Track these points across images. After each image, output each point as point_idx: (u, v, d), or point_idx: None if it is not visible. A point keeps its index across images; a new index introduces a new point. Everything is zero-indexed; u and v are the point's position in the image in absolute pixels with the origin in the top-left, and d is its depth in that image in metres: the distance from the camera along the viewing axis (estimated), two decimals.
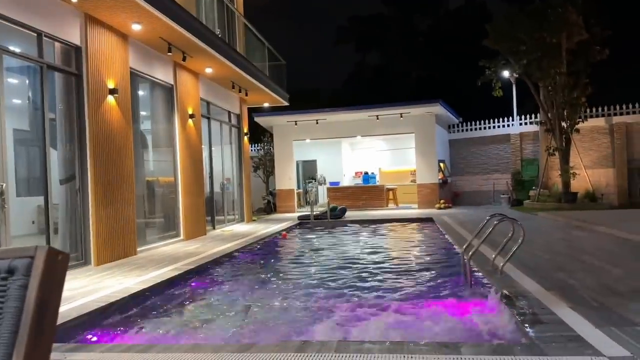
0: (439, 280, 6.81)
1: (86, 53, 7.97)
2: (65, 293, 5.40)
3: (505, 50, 17.44)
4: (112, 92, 8.53)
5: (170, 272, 7.08)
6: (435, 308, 5.23)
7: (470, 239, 6.60)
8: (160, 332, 4.81)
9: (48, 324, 1.05)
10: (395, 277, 7.21)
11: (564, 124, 17.15)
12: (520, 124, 20.79)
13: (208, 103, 13.41)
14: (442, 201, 18.92)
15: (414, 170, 20.19)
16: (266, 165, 22.74)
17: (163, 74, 10.74)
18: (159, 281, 6.44)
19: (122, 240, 8.61)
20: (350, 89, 38.53)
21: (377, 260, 8.71)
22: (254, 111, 19.56)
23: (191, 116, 11.83)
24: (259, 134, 22.97)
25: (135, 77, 9.65)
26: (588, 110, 18.15)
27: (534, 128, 20.18)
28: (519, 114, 20.99)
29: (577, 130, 17.24)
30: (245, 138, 16.23)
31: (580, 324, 3.87)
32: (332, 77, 56.57)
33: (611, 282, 5.39)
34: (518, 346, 3.52)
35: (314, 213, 15.12)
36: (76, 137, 7.90)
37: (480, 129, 21.77)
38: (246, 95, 15.18)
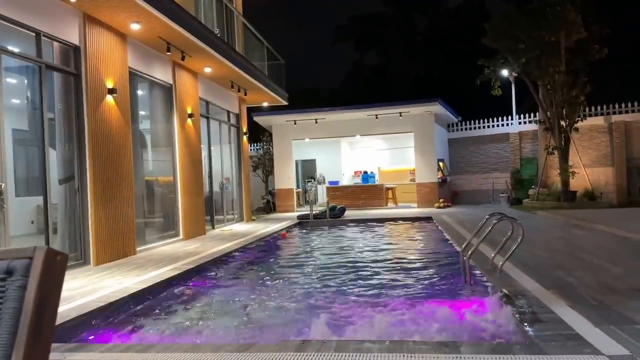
0: (438, 279, 6.82)
1: (85, 53, 7.96)
2: (65, 293, 5.40)
3: (504, 49, 17.44)
4: (111, 91, 8.52)
5: (169, 271, 7.08)
6: (434, 307, 5.23)
7: (469, 238, 6.61)
8: (160, 331, 4.81)
9: (47, 324, 1.05)
10: (394, 276, 7.22)
11: (563, 122, 17.16)
12: (520, 123, 20.80)
13: (207, 102, 13.41)
14: (441, 200, 18.92)
15: (413, 170, 20.19)
16: (265, 165, 22.74)
17: (162, 74, 10.73)
18: (158, 281, 6.44)
19: (121, 240, 8.61)
20: (349, 88, 38.52)
21: (376, 259, 8.71)
22: (253, 111, 19.55)
23: (190, 116, 11.83)
24: (258, 134, 22.97)
25: (134, 77, 9.65)
26: (587, 109, 18.16)
27: (533, 127, 20.18)
28: (518, 112, 21.01)
29: (576, 129, 17.25)
30: (245, 137, 16.23)
31: (580, 322, 3.87)
32: (331, 77, 56.68)
33: (610, 281, 5.39)
34: (517, 345, 3.53)
35: (314, 212, 15.12)
36: (75, 137, 7.90)
37: (479, 128, 21.78)
38: (245, 94, 15.17)
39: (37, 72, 7.19)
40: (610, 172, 18.45)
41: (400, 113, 18.72)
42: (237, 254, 9.39)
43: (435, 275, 7.11)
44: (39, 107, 7.19)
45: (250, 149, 20.95)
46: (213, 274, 7.75)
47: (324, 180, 22.51)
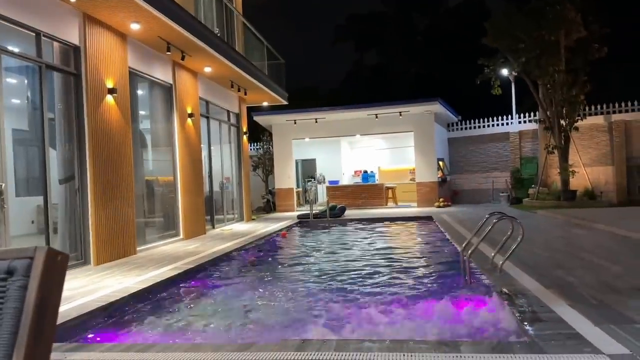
0: (438, 279, 6.82)
1: (85, 53, 7.96)
2: (65, 293, 5.40)
3: (504, 48, 17.44)
4: (111, 91, 8.52)
5: (170, 271, 7.09)
6: (434, 306, 5.23)
7: (469, 237, 6.61)
8: (160, 331, 4.82)
9: (48, 324, 1.05)
10: (394, 275, 7.22)
11: (563, 122, 17.16)
12: (519, 122, 20.80)
13: (207, 102, 13.41)
14: (441, 199, 18.93)
15: (413, 169, 20.20)
16: (265, 164, 22.74)
17: (162, 74, 10.73)
18: (158, 280, 6.44)
19: (121, 240, 8.61)
20: (349, 87, 38.50)
21: (376, 258, 8.72)
22: (253, 110, 19.55)
23: (190, 115, 11.83)
24: (258, 133, 22.97)
25: (134, 77, 9.65)
26: (587, 108, 18.16)
27: (533, 126, 20.18)
28: (518, 112, 21.00)
29: (576, 128, 17.25)
30: (245, 137, 16.23)
31: (580, 321, 3.88)
32: (331, 76, 56.66)
33: (610, 280, 5.39)
34: (517, 344, 3.53)
35: (314, 212, 15.12)
36: (75, 136, 7.90)
37: (479, 127, 21.77)
38: (245, 94, 15.17)
39: (37, 72, 7.19)
40: (610, 171, 18.45)
41: (400, 112, 18.71)
42: (237, 253, 9.39)
43: (435, 275, 7.12)
44: (39, 107, 7.19)
45: (250, 149, 20.95)
46: (213, 273, 7.75)
47: (324, 179, 22.52)
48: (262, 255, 9.78)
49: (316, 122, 19.69)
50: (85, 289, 6.00)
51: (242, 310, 5.54)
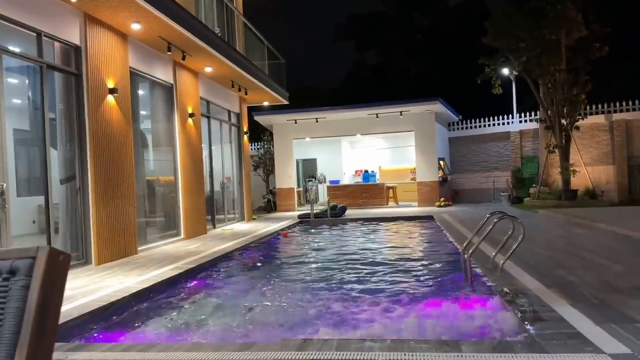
0: (439, 278, 6.82)
1: (86, 53, 7.97)
2: (66, 292, 5.41)
3: (505, 48, 17.42)
4: (112, 91, 8.53)
5: (171, 271, 7.09)
6: (435, 306, 5.24)
7: (470, 237, 6.61)
8: (162, 331, 4.82)
9: (50, 324, 1.05)
10: (395, 274, 7.22)
11: (563, 121, 17.14)
12: (520, 122, 20.79)
13: (208, 102, 13.41)
14: (442, 199, 18.92)
15: (414, 168, 20.19)
16: (266, 164, 22.74)
17: (163, 73, 10.74)
18: (159, 280, 6.45)
19: (122, 240, 8.62)
20: (349, 87, 38.49)
21: (377, 258, 8.72)
22: (253, 110, 19.55)
23: (191, 115, 11.84)
24: (258, 133, 22.97)
25: (135, 77, 9.65)
26: (588, 107, 18.13)
27: (534, 125, 20.16)
28: (519, 111, 20.99)
29: (577, 128, 17.23)
30: (245, 137, 16.24)
31: (581, 321, 3.88)
32: (331, 76, 56.64)
33: (611, 279, 5.39)
34: (518, 344, 3.53)
35: (314, 211, 15.12)
36: (76, 136, 7.91)
37: (480, 126, 21.76)
38: (246, 94, 15.18)
39: (38, 72, 7.20)
40: (611, 171, 18.44)
41: (400, 112, 18.71)
42: (238, 253, 9.39)
43: (436, 274, 7.12)
44: (40, 107, 7.20)
45: (251, 148, 20.96)
46: (214, 273, 7.75)
47: (325, 179, 22.57)
48: (263, 254, 9.78)
49: (317, 121, 19.69)
50: (86, 288, 6.01)
51: (243, 310, 5.54)
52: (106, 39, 8.48)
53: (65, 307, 4.91)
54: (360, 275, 7.30)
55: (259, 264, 8.82)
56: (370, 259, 8.60)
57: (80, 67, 7.95)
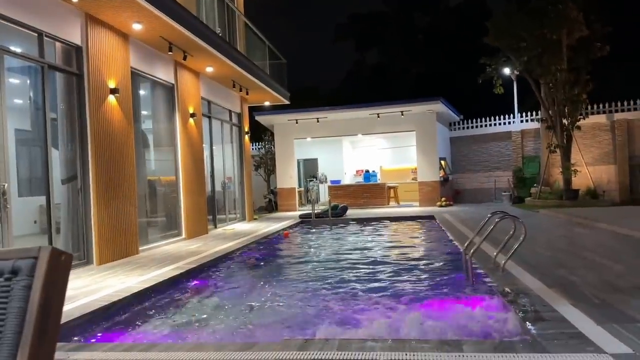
0: (440, 278, 6.82)
1: (87, 53, 7.97)
2: (68, 292, 5.40)
3: (506, 47, 17.40)
4: (113, 91, 8.53)
5: (172, 271, 7.10)
6: (436, 305, 5.24)
7: (471, 237, 6.61)
8: (163, 331, 4.83)
9: (52, 324, 1.05)
10: (396, 274, 7.22)
11: (565, 120, 17.12)
12: (522, 121, 20.77)
13: (209, 102, 13.42)
14: (443, 199, 18.91)
15: (415, 168, 20.18)
16: (267, 164, 22.75)
17: (164, 73, 10.75)
18: (160, 280, 6.45)
19: (123, 240, 8.63)
20: (350, 87, 38.47)
21: (378, 257, 8.71)
22: (254, 110, 19.56)
23: (192, 115, 11.84)
24: (260, 133, 22.98)
25: (136, 77, 9.66)
26: (589, 107, 18.10)
27: (535, 125, 20.15)
28: (520, 111, 20.97)
29: (578, 127, 17.21)
30: (246, 137, 16.24)
31: (582, 321, 3.87)
32: (332, 76, 56.64)
33: (613, 279, 5.39)
34: (520, 343, 3.53)
35: (315, 211, 15.12)
36: (77, 136, 7.92)
37: (481, 126, 21.75)
38: (247, 94, 15.18)
39: (40, 72, 7.21)
40: (613, 170, 18.41)
41: (401, 112, 18.70)
42: (239, 253, 9.40)
43: (437, 274, 7.12)
44: (42, 107, 7.21)
45: (252, 148, 20.97)
46: (215, 273, 7.76)
47: (326, 179, 22.57)
48: (264, 254, 9.78)
49: (318, 121, 19.69)
50: (88, 288, 6.01)
51: (244, 310, 5.54)
52: (107, 39, 8.49)
53: (67, 307, 4.92)
54: (360, 274, 7.30)
55: (260, 264, 8.82)
56: (372, 259, 8.59)
57: (82, 67, 7.96)
